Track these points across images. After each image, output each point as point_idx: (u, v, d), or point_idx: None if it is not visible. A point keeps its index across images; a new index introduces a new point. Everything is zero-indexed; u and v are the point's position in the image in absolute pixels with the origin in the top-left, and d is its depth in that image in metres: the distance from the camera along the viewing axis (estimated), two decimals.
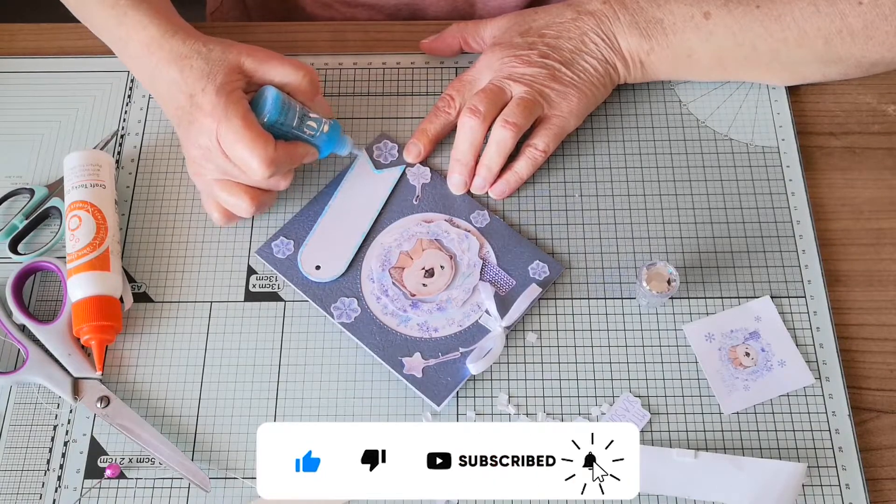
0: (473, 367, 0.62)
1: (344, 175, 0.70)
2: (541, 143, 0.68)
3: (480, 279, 0.65)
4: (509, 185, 0.69)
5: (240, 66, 0.62)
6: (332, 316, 0.64)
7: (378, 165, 0.71)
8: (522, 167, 0.68)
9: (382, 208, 0.69)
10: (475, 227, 0.68)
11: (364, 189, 0.69)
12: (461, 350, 0.63)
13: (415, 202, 0.69)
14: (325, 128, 0.65)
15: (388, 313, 0.65)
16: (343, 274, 0.66)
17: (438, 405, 0.62)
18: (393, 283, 0.65)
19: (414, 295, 0.65)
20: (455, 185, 0.69)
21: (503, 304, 0.65)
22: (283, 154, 0.62)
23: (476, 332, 0.64)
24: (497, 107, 0.67)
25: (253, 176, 0.61)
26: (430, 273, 0.66)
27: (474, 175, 0.69)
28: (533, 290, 0.64)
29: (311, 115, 0.64)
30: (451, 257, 0.66)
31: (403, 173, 0.70)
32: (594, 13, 0.70)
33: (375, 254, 0.67)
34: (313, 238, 0.67)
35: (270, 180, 0.62)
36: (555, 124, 0.68)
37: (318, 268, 0.66)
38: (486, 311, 0.64)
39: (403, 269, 0.66)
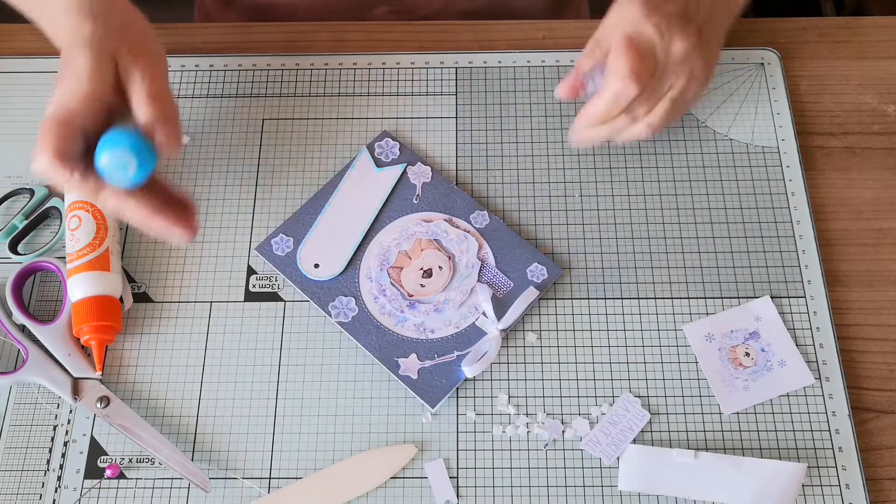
0: (468, 370, 0.62)
1: (344, 173, 0.70)
2: None
3: (478, 281, 0.65)
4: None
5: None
6: (330, 314, 0.64)
7: (379, 163, 0.71)
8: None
9: (382, 207, 0.69)
10: (475, 227, 0.68)
11: (364, 187, 0.69)
12: (456, 353, 0.63)
13: (415, 201, 0.69)
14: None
15: (386, 313, 0.65)
16: (341, 272, 0.66)
17: (433, 407, 0.62)
18: (391, 282, 0.65)
19: (412, 295, 0.65)
20: None
21: (500, 306, 0.64)
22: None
23: (472, 334, 0.64)
24: None
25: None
26: (428, 273, 0.66)
27: None
28: (530, 293, 0.64)
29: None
30: (449, 258, 0.66)
31: (404, 172, 0.70)
32: None
33: (374, 253, 0.67)
34: (312, 236, 0.67)
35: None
36: None
37: (316, 266, 0.66)
38: (483, 314, 0.64)
39: (402, 268, 0.66)
